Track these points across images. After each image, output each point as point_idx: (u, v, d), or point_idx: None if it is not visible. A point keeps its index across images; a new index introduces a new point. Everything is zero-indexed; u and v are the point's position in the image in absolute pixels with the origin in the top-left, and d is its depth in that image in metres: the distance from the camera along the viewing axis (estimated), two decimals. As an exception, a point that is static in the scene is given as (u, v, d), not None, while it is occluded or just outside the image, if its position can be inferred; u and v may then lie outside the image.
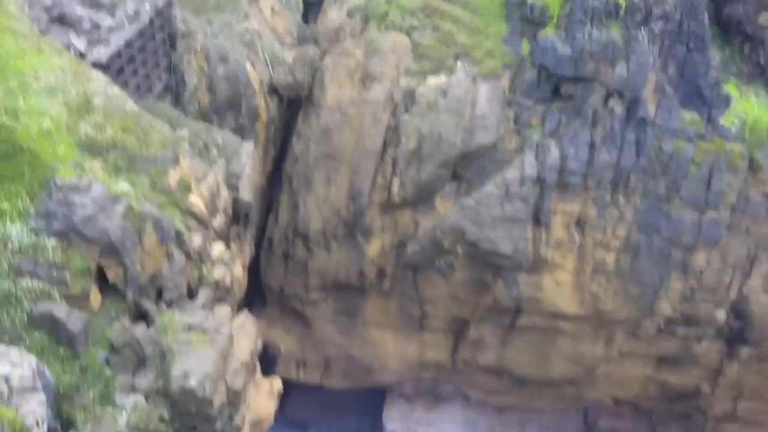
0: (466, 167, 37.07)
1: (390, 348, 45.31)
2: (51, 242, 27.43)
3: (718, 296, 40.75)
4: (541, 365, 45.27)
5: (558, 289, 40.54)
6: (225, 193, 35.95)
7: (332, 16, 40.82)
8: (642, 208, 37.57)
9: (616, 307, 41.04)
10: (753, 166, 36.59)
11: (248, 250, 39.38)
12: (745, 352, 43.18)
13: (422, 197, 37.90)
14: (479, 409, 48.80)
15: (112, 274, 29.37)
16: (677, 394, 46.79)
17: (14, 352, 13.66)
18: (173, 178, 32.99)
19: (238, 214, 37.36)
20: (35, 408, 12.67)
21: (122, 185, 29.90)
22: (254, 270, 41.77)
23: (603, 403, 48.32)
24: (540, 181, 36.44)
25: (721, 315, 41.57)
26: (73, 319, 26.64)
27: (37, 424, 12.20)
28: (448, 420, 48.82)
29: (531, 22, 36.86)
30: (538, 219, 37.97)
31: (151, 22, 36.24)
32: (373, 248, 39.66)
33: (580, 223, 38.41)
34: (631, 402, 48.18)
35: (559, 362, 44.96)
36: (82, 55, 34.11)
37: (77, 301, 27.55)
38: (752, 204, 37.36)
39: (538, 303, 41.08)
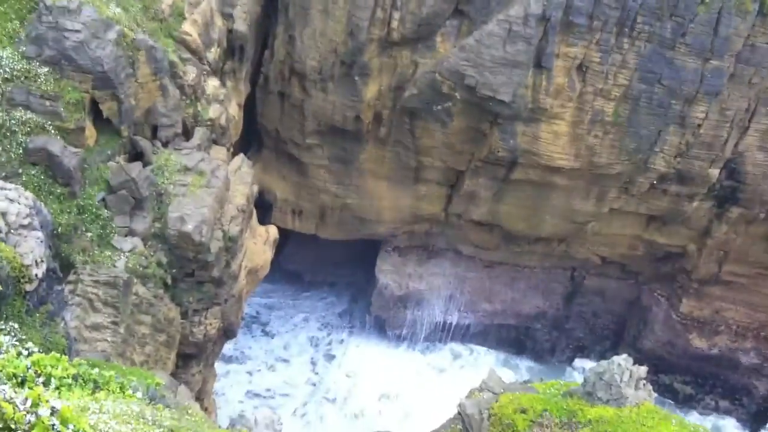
0: (469, 1, 36.16)
1: (385, 199, 45.59)
2: (43, 70, 26.85)
3: (714, 152, 40.74)
4: (532, 221, 45.81)
5: (555, 141, 40.43)
6: (219, 23, 35.17)
7: None
8: (645, 53, 36.96)
9: (611, 160, 41.05)
10: (763, 10, 35.62)
11: (244, 87, 38.95)
12: (734, 212, 43.65)
13: (422, 35, 37.13)
14: (469, 264, 49.68)
15: (106, 107, 28.99)
16: (664, 254, 47.62)
17: (11, 188, 13.21)
18: (166, 2, 32.15)
19: (233, 47, 36.69)
20: (34, 246, 12.35)
21: (113, 8, 29.10)
22: (250, 110, 41.40)
23: (590, 262, 49.21)
24: (544, 19, 35.61)
25: (714, 173, 41.71)
26: (68, 155, 26.35)
27: (36, 264, 11.93)
28: (439, 274, 49.77)
29: None
30: (540, 63, 37.37)
31: None
32: (370, 90, 39.20)
33: (582, 69, 37.86)
34: (618, 262, 49.10)
35: (550, 218, 45.46)
36: None
37: (72, 135, 27.24)
38: (758, 52, 36.74)
39: (533, 155, 41.03)
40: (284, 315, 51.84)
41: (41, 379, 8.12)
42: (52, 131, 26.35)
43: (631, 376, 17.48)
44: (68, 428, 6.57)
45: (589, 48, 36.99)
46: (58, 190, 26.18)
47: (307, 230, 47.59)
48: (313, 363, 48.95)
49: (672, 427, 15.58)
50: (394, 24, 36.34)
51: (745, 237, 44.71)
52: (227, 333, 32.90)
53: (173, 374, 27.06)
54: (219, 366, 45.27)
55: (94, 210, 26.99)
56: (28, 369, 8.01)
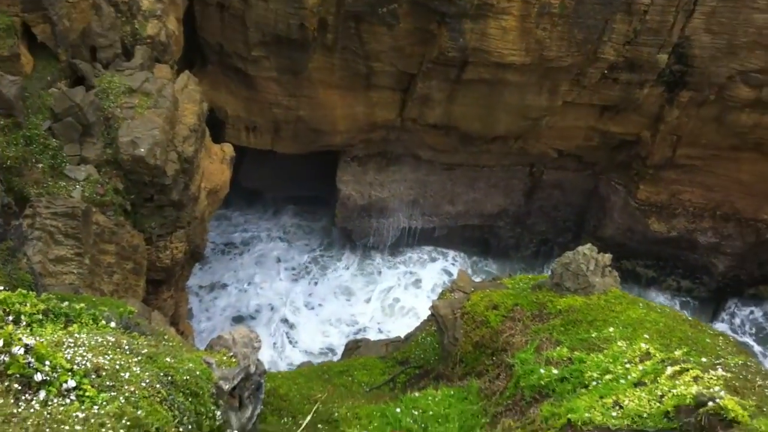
0: None
1: (338, 109, 44.95)
2: (-34, -5, 25.43)
3: (661, 38, 40.65)
4: (487, 120, 45.70)
5: (504, 36, 39.89)
6: (151, -67, 33.42)
7: None
8: (589, -60, 36.31)
9: (561, 53, 40.77)
10: None
11: (181, 0, 37.46)
12: (684, 96, 43.90)
13: (364, -67, 35.86)
14: (429, 168, 49.69)
15: (39, 30, 27.90)
16: (619, 143, 48.13)
17: None
18: None
19: (165, -42, 35.05)
20: None
21: None
22: (190, 24, 39.94)
23: (547, 157, 49.57)
24: None
25: (663, 58, 41.71)
26: (6, 84, 25.36)
27: (-15, 197, 11.29)
28: (400, 180, 49.78)
29: None
30: (484, -45, 36.47)
31: None
32: (312, -5, 37.97)
33: (528, -40, 37.10)
34: (575, 154, 49.51)
35: (505, 116, 45.38)
36: None
37: (7, 64, 26.34)
38: (701, -70, 36.31)
39: (483, 52, 40.50)
40: (250, 234, 51.68)
41: (11, 318, 7.92)
42: (-15, 60, 25.28)
43: (596, 265, 17.83)
44: (44, 365, 6.44)
45: (534, -64, 36.11)
46: (2, 122, 25.38)
47: (262, 146, 46.96)
48: (283, 280, 49.19)
49: (639, 310, 16.01)
50: (334, -76, 34.96)
51: (696, 120, 45.21)
52: (194, 255, 32.79)
53: (145, 301, 27.00)
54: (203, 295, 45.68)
55: (41, 140, 26.28)
56: (-5, 309, 7.80)
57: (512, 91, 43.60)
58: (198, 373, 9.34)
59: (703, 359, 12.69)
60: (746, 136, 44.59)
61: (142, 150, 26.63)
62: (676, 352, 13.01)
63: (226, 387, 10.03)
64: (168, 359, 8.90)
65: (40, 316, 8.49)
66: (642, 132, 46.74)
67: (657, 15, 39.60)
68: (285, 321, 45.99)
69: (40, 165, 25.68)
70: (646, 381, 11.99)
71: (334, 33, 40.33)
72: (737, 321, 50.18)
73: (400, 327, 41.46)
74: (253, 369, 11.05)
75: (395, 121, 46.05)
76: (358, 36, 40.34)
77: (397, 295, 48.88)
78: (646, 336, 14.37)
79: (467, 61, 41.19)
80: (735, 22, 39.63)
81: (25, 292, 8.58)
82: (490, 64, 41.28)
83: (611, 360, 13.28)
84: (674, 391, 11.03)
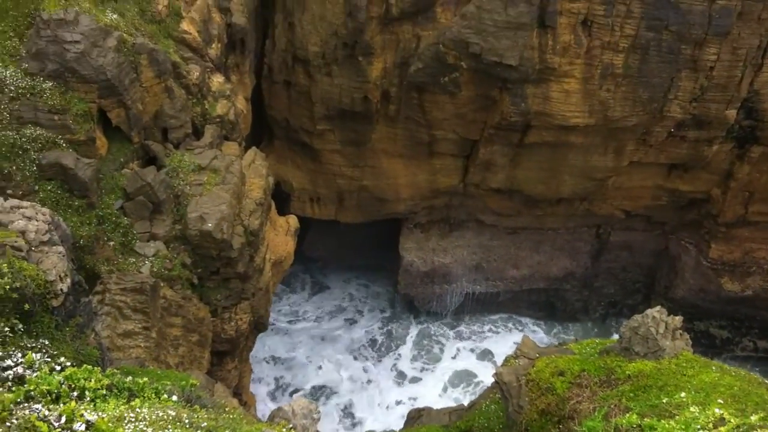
0: (465, -32, 35.75)
1: (401, 177, 45.41)
2: (48, 84, 26.88)
3: (729, 93, 40.04)
4: (551, 183, 45.42)
5: (566, 99, 39.93)
6: (217, 18, 35.04)
7: None
8: (650, 0, 36.30)
9: (626, 112, 40.52)
10: (765, -56, 34.85)
11: (249, 80, 38.87)
12: (756, 151, 42.95)
13: (422, 7, 36.72)
14: (493, 232, 49.45)
15: (114, 115, 29.02)
16: (688, 201, 47.10)
17: (27, 205, 13.17)
18: (161, 2, 32.05)
19: (233, 41, 36.59)
20: (56, 261, 12.30)
21: (110, 15, 29.05)
22: (257, 102, 41.34)
23: (614, 218, 48.79)
24: (543, -22, 35.10)
25: (731, 114, 41.01)
26: (82, 167, 26.40)
27: (60, 279, 11.88)
28: (463, 245, 49.59)
29: None
30: (544, 23, 36.85)
31: None
32: (375, 69, 38.92)
33: (587, 24, 37.29)
34: (643, 214, 48.62)
35: (569, 178, 45.04)
36: None
37: (83, 147, 27.31)
38: (764, -13, 35.99)
39: (546, 116, 40.58)
40: (313, 305, 51.97)
41: (75, 393, 8.15)
42: (64, 145, 26.45)
43: (666, 327, 17.27)
44: (104, 440, 6.58)
45: (591, 2, 36.41)
46: (76, 203, 26.29)
47: (326, 216, 47.61)
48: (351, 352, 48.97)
49: (713, 373, 15.38)
50: (392, 0, 35.97)
51: (768, 176, 44.04)
52: (258, 326, 33.10)
53: (209, 372, 27.29)
54: (269, 367, 45.84)
55: (113, 219, 27.13)
56: (61, 384, 8.04)
57: (576, 153, 43.36)
58: (257, 446, 9.36)
59: (782, 426, 12.06)
60: (821, 191, 43.16)
61: (210, 225, 27.32)
62: (752, 417, 12.39)
63: (286, 460, 10.01)
64: (227, 432, 8.95)
65: (104, 392, 8.70)
66: (712, 189, 45.68)
67: (724, 71, 39.12)
68: (345, 401, 45.53)
69: (112, 243, 26.52)
70: (722, 450, 11.46)
71: (396, 104, 41.10)
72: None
73: (466, 396, 40.71)
74: (313, 441, 11.01)
75: (458, 186, 46.21)
76: (420, 105, 41.01)
77: (463, 366, 48.15)
78: (720, 401, 13.78)
79: (530, 125, 41.29)
80: (805, 75, 38.85)
81: (90, 368, 8.83)
82: (553, 127, 41.28)
83: (683, 426, 12.72)
84: (751, 461, 10.50)
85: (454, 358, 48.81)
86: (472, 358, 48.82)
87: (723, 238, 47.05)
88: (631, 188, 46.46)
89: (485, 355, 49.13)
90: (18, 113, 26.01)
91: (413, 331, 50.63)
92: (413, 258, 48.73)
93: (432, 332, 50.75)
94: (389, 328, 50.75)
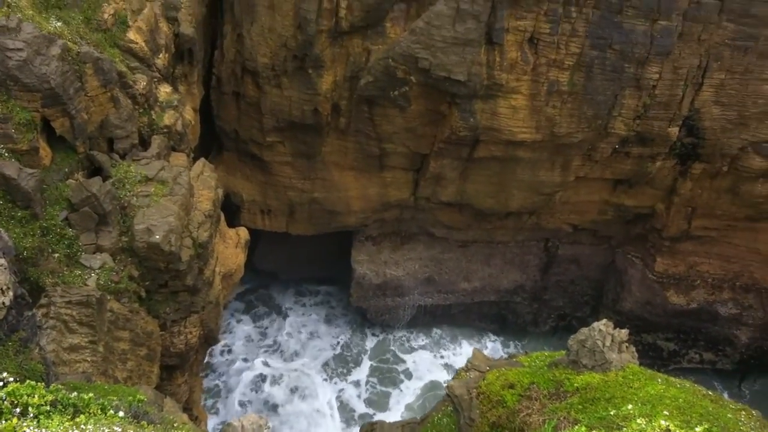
0: (415, -16, 36.07)
1: (352, 189, 45.46)
2: (-11, 93, 26.25)
3: (671, 111, 41.11)
4: (500, 197, 45.98)
5: (514, 114, 40.52)
6: (165, 27, 34.66)
7: None
8: (594, 20, 37.14)
9: (572, 129, 41.27)
10: (704, -33, 35.97)
11: (197, 90, 38.48)
12: (697, 168, 44.11)
13: (371, 21, 36.92)
14: (444, 245, 49.82)
15: (59, 124, 28.42)
16: (634, 216, 48.14)
17: None
18: (107, 11, 31.62)
19: (181, 51, 36.20)
20: None
21: (54, 23, 28.57)
22: (206, 113, 40.93)
23: (562, 231, 49.58)
24: (492, -4, 35.63)
25: (674, 131, 42.09)
26: (25, 177, 25.76)
27: (2, 292, 11.59)
28: (415, 258, 49.83)
29: None
30: (491, 40, 37.39)
31: None
32: (325, 82, 38.95)
33: (534, 42, 37.95)
34: (589, 228, 49.53)
35: (518, 192, 45.64)
36: None
37: (26, 157, 26.70)
38: (704, 8, 37.06)
39: (495, 131, 41.10)
40: (266, 319, 51.52)
41: (18, 410, 7.93)
42: (6, 154, 25.81)
43: (613, 341, 17.61)
44: (49, 458, 6.41)
45: (538, 20, 37.06)
46: (19, 214, 25.65)
47: (277, 228, 47.35)
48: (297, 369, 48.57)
49: (659, 386, 15.72)
50: (342, 13, 36.07)
51: (710, 191, 45.26)
52: (208, 340, 32.65)
53: (158, 387, 26.79)
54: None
55: (58, 230, 26.52)
56: (3, 400, 7.83)
57: (524, 168, 43.98)
58: (206, 462, 9.22)
59: (725, 436, 12.38)
60: (761, 206, 44.53)
61: (157, 237, 26.89)
62: (696, 429, 12.69)
63: (236, 476, 9.88)
64: (176, 449, 8.81)
65: (48, 408, 8.49)
66: (656, 204, 46.79)
67: (666, 89, 40.16)
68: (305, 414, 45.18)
69: (56, 254, 25.91)
70: (667, 460, 11.69)
71: (347, 117, 41.18)
72: (762, 393, 48.96)
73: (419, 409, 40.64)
74: (263, 456, 10.89)
75: (409, 200, 46.45)
76: (370, 119, 41.15)
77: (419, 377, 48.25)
78: (666, 413, 14.07)
79: (479, 140, 41.77)
80: (744, 94, 40.10)
81: (33, 383, 8.61)
82: (501, 141, 41.82)
83: (631, 439, 12.95)
84: (696, 470, 10.73)
85: (409, 371, 48.83)
86: (425, 371, 48.90)
87: (668, 252, 48.19)
88: (578, 203, 47.30)
89: (438, 366, 49.30)
90: (-42, 122, 25.31)
91: (369, 344, 50.54)
92: (365, 270, 48.76)
93: (387, 346, 50.73)
94: (344, 342, 50.59)
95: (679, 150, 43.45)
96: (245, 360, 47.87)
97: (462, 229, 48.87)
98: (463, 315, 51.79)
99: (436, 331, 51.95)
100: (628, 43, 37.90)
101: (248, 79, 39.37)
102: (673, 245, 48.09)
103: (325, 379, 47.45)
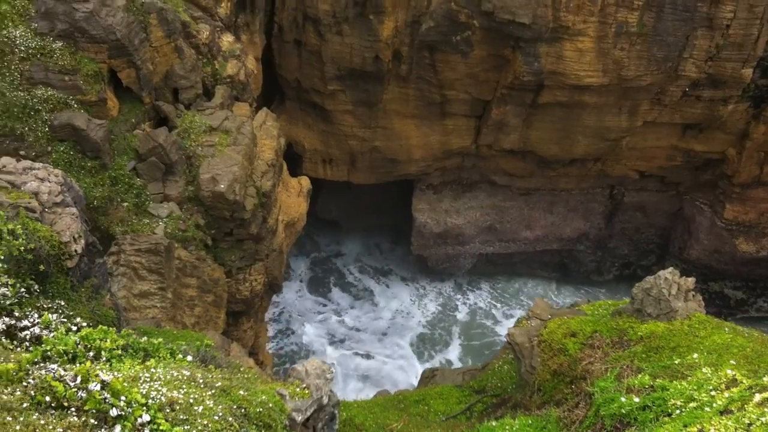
0: (478, -75, 35.07)
1: (413, 138, 45.18)
2: (58, 45, 26.81)
3: (745, 52, 39.41)
4: (564, 143, 45.10)
5: (580, 58, 39.44)
6: (227, -24, 34.65)
7: None
8: (665, -43, 35.66)
9: (640, 72, 39.99)
10: None
11: (259, 40, 38.59)
12: (772, 111, 42.42)
13: (433, -36, 36.20)
14: (506, 193, 49.32)
15: (125, 75, 28.98)
16: (703, 162, 46.74)
17: (39, 167, 13.13)
18: (171, -39, 31.67)
19: (243, 0, 36.25)
20: (70, 223, 12.27)
21: (119, -26, 28.72)
22: (268, 63, 41.03)
23: (628, 178, 48.51)
24: (557, -66, 34.42)
25: (747, 73, 40.43)
26: (93, 128, 26.49)
27: (74, 240, 11.86)
28: (476, 207, 49.53)
29: None
30: (557, -20, 36.27)
31: None
32: (386, 28, 38.48)
33: (601, -19, 36.67)
34: (657, 174, 48.34)
35: (583, 139, 44.70)
36: None
37: (95, 108, 27.43)
38: (782, -58, 35.19)
39: (560, 75, 40.14)
40: (328, 266, 52.14)
41: (91, 354, 8.23)
42: (75, 105, 26.52)
43: (679, 289, 17.23)
44: (120, 400, 6.65)
45: (606, -43, 35.74)
46: (89, 164, 26.41)
47: (339, 178, 47.54)
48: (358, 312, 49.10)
49: (725, 335, 15.36)
50: (404, -43, 35.45)
51: (785, 135, 43.56)
52: (272, 287, 33.34)
53: (225, 332, 27.58)
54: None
55: (126, 180, 27.27)
56: (77, 345, 8.12)
57: (590, 113, 42.96)
58: (271, 405, 9.46)
59: (795, 387, 12.06)
60: (838, 150, 42.69)
61: (222, 186, 27.37)
62: (764, 378, 12.38)
63: (299, 418, 10.14)
64: (242, 392, 9.05)
65: (120, 352, 8.78)
66: (727, 150, 45.28)
67: (740, 29, 38.44)
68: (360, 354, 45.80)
69: (125, 204, 26.67)
70: (733, 409, 11.46)
71: (408, 64, 40.72)
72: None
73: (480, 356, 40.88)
74: (326, 400, 11.14)
75: (470, 148, 45.96)
76: (432, 65, 40.61)
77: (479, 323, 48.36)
78: (733, 362, 13.77)
79: (543, 85, 40.88)
80: (823, 32, 38.14)
81: (106, 328, 8.90)
82: (566, 86, 40.84)
83: (695, 387, 12.74)
84: (763, 419, 10.50)
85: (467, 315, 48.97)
86: (484, 317, 49.02)
87: (738, 198, 46.74)
88: (645, 149, 46.08)
89: (499, 315, 49.32)
90: (29, 74, 26.03)
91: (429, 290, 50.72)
92: (426, 219, 48.72)
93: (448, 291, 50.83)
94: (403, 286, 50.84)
95: (752, 92, 41.85)
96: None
97: (524, 177, 48.22)
98: (524, 264, 51.47)
99: (497, 280, 51.76)
100: (701, -19, 36.32)
101: (309, 27, 39.19)
102: (743, 192, 46.61)
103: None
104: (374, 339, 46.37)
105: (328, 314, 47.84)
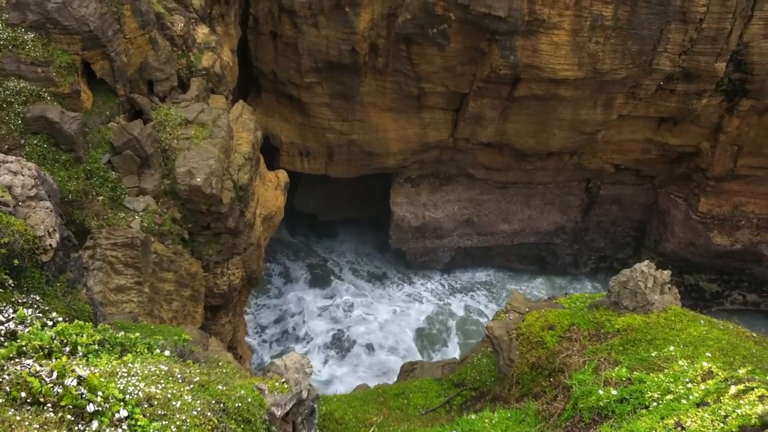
0: None
1: (390, 131, 45.15)
2: (30, 36, 26.36)
3: (718, 46, 39.77)
4: (541, 137, 45.30)
5: (556, 51, 39.59)
6: (201, -33, 34.31)
7: None
8: (640, -49, 35.86)
9: (615, 65, 40.24)
10: None
11: (234, 31, 38.29)
12: (745, 105, 42.91)
13: (410, -43, 36.13)
14: (483, 187, 49.47)
15: (99, 67, 28.55)
16: (678, 155, 47.16)
17: (13, 160, 12.87)
18: (143, -50, 31.20)
19: (217, -9, 35.95)
20: (44, 216, 12.05)
21: (92, -36, 28.28)
22: (244, 55, 40.74)
23: (604, 172, 48.85)
24: (533, -73, 34.48)
25: (720, 67, 40.79)
26: (67, 120, 26.05)
27: (49, 234, 11.64)
28: (454, 200, 49.62)
29: None
30: (533, -27, 36.36)
31: None
32: (362, 20, 38.36)
33: (577, -26, 36.81)
34: (632, 168, 48.72)
35: (559, 132, 44.92)
36: None
37: (68, 100, 26.97)
38: (756, -64, 35.52)
39: (536, 68, 40.27)
40: (306, 260, 51.99)
41: (67, 349, 8.12)
42: (48, 98, 26.13)
43: (655, 282, 17.40)
44: (97, 395, 6.56)
45: (582, -49, 35.87)
46: (63, 157, 26.04)
47: (316, 171, 47.41)
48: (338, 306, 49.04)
49: (701, 327, 15.54)
50: (380, -50, 35.34)
51: (758, 129, 44.09)
52: (250, 281, 33.16)
53: (203, 327, 27.39)
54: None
55: (101, 173, 26.91)
56: (53, 340, 8.01)
57: (566, 107, 43.17)
58: (250, 400, 9.40)
59: (769, 377, 12.22)
60: (811, 144, 43.25)
61: (199, 179, 27.12)
62: (740, 371, 12.56)
63: (279, 413, 10.07)
64: (220, 387, 8.98)
65: (96, 347, 8.67)
66: (701, 143, 45.72)
67: (713, 23, 38.80)
68: (346, 344, 45.77)
69: (100, 197, 26.33)
70: (709, 401, 11.60)
71: (385, 56, 40.64)
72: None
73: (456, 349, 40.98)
74: (305, 394, 11.08)
75: (447, 141, 46.03)
76: (408, 58, 40.57)
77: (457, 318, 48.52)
78: (708, 354, 13.94)
79: (519, 78, 41.01)
80: (795, 26, 38.60)
81: (82, 323, 8.78)
82: (542, 79, 40.99)
83: (672, 380, 12.89)
84: (739, 410, 10.63)
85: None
86: (462, 311, 49.17)
87: (712, 191, 47.22)
88: (620, 142, 46.43)
89: (476, 308, 49.48)
90: (0, 65, 25.56)
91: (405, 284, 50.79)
92: (404, 213, 48.76)
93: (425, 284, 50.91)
94: (379, 281, 50.85)
95: (726, 86, 42.22)
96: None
97: (501, 170, 48.39)
98: (502, 257, 51.69)
99: (475, 273, 51.92)
100: (676, -25, 36.56)
101: (285, 19, 38.95)
102: (717, 185, 47.09)
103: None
104: (365, 342, 46.45)
105: (325, 312, 47.83)
